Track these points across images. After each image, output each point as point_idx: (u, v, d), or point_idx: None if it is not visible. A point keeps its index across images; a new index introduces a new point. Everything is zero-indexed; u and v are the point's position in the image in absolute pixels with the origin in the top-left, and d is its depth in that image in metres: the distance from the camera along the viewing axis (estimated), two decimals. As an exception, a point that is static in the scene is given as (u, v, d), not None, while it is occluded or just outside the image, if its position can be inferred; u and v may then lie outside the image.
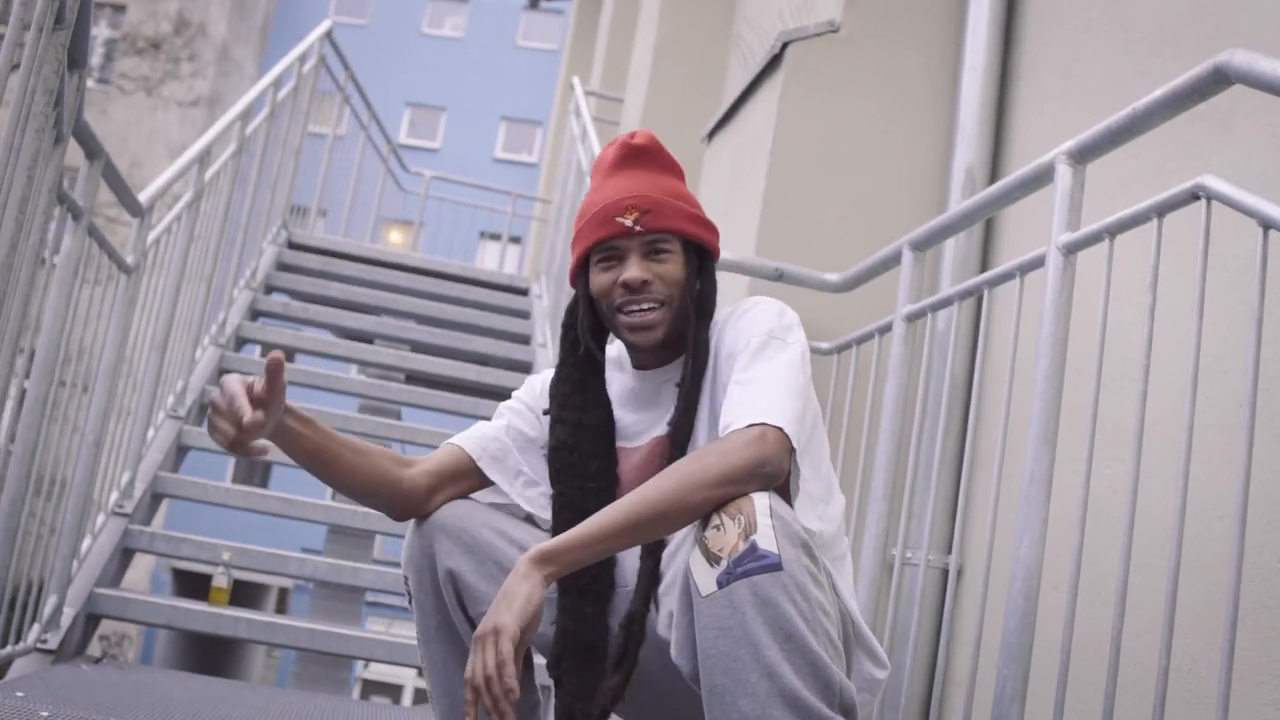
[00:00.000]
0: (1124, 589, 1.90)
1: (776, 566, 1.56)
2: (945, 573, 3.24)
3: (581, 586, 1.87)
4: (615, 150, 1.99)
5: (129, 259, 3.63)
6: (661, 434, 1.92)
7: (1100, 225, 2.12)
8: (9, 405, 2.74)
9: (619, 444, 1.99)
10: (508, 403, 2.10)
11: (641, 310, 1.90)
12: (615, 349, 2.07)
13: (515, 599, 1.61)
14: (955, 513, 3.31)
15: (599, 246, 1.93)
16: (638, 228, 1.90)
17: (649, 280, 1.90)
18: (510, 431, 2.05)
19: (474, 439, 2.04)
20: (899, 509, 2.95)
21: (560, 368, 2.00)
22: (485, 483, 2.03)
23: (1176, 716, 2.19)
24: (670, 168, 2.00)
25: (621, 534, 1.65)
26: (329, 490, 2.04)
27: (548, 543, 1.65)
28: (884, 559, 2.91)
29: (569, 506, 1.92)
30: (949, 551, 3.27)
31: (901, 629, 2.77)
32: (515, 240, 15.59)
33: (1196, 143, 2.70)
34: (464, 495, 2.01)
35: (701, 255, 1.97)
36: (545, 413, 2.01)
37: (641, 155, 1.98)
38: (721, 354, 1.89)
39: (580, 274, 1.97)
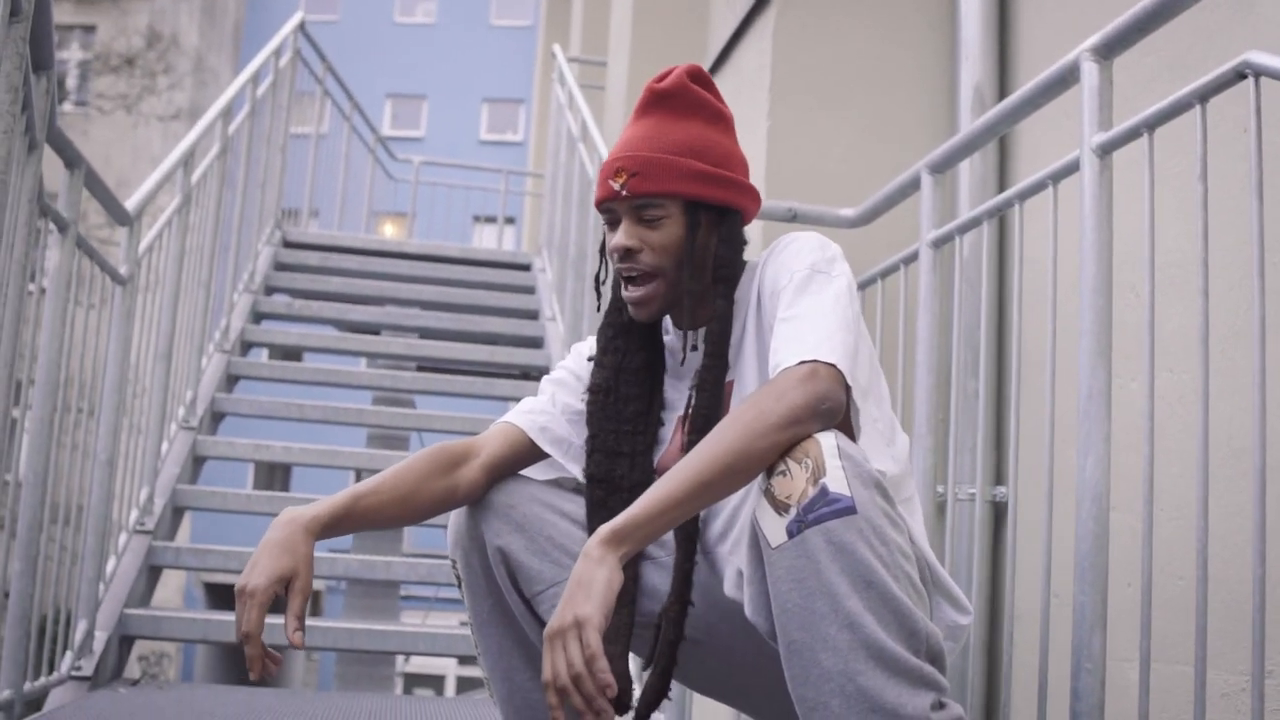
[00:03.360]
0: (1205, 498, 1.79)
1: (850, 510, 1.45)
2: (995, 506, 3.14)
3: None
4: (641, 96, 1.85)
5: (122, 270, 3.52)
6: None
7: (1137, 120, 2.00)
8: (20, 434, 2.64)
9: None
10: (552, 374, 1.99)
11: (634, 282, 1.79)
12: None
13: (594, 585, 1.46)
14: (999, 443, 3.22)
15: (600, 207, 1.83)
16: (624, 192, 1.77)
17: (634, 249, 1.77)
18: (556, 403, 1.94)
19: (524, 415, 1.93)
20: (943, 444, 2.85)
21: (605, 314, 1.89)
22: (539, 457, 1.92)
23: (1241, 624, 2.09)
24: (698, 110, 1.82)
25: (691, 497, 1.52)
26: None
27: (616, 520, 1.51)
28: (934, 497, 2.80)
29: (600, 449, 1.81)
30: (996, 484, 3.17)
31: (962, 569, 2.66)
32: (510, 221, 15.45)
33: (1219, 30, 2.57)
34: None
35: (721, 215, 1.81)
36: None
37: (663, 101, 1.82)
38: (764, 293, 1.78)
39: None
